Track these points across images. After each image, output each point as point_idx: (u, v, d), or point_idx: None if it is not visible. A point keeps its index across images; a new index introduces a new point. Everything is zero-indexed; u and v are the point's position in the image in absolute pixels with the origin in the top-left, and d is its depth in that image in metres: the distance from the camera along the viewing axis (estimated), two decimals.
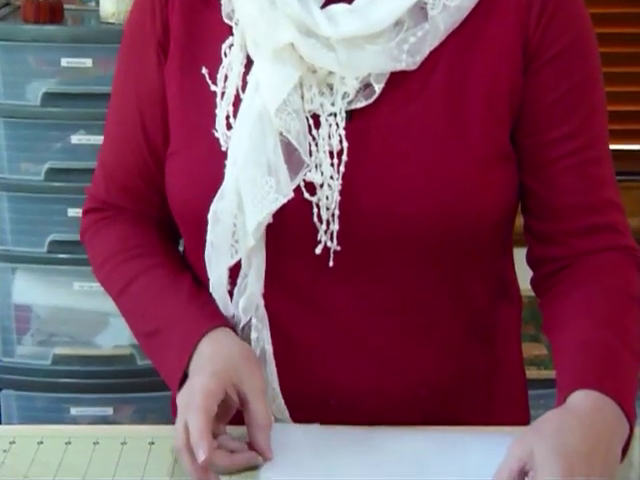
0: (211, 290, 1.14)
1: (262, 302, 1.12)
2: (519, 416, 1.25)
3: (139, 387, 2.27)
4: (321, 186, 1.08)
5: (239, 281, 1.12)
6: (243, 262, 1.11)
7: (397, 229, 1.08)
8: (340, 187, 1.08)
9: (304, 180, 1.08)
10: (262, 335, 1.13)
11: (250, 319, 1.12)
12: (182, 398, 1.06)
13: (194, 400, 1.02)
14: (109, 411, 2.36)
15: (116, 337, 2.32)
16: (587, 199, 1.14)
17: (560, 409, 1.00)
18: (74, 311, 2.33)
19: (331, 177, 1.08)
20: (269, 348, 1.13)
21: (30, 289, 2.31)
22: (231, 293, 1.13)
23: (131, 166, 1.22)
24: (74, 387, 2.32)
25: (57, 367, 2.31)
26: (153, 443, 1.13)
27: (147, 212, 1.24)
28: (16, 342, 2.36)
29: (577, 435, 0.96)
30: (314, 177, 1.08)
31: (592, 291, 1.12)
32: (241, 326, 1.13)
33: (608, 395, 1.01)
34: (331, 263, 1.10)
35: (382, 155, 1.09)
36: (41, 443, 1.13)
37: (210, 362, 1.07)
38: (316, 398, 1.15)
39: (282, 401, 1.14)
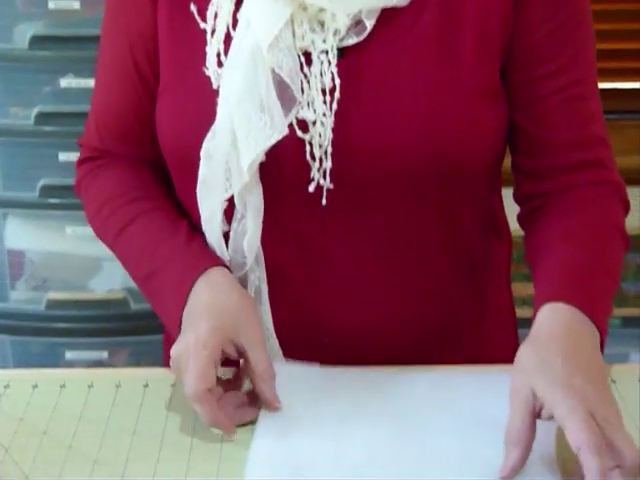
0: (203, 228, 1.13)
1: (259, 243, 1.12)
2: (509, 355, 1.25)
3: (133, 330, 2.28)
4: (314, 124, 1.08)
5: (235, 224, 1.12)
6: (238, 202, 1.10)
7: (390, 165, 1.08)
8: (333, 125, 1.08)
9: (296, 118, 1.08)
10: (258, 274, 1.13)
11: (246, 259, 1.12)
12: (180, 351, 1.04)
13: (192, 362, 1.02)
14: (104, 355, 2.36)
15: (110, 281, 2.32)
16: (575, 135, 1.15)
17: (535, 338, 1.00)
18: (67, 256, 2.33)
19: (324, 114, 1.07)
20: (264, 288, 1.13)
21: (22, 234, 2.31)
22: (226, 236, 1.13)
23: (125, 108, 1.21)
24: (68, 331, 2.33)
25: (51, 312, 2.31)
26: (147, 385, 1.13)
27: (143, 156, 1.23)
28: (10, 287, 2.36)
29: (560, 356, 0.96)
30: (306, 115, 1.08)
31: (574, 221, 1.14)
32: (247, 268, 1.13)
33: (581, 309, 1.02)
34: (324, 201, 1.09)
35: (374, 91, 1.08)
36: (36, 387, 1.13)
37: (208, 313, 1.05)
38: (310, 337, 1.15)
39: (276, 341, 1.15)
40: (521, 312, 2.29)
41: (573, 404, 0.91)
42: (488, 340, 1.23)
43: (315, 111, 1.07)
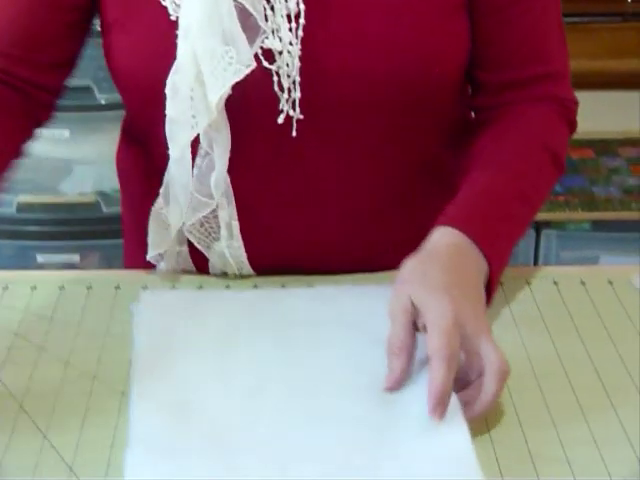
0: (172, 169, 1.09)
1: (228, 178, 1.10)
2: None
3: (105, 234, 2.27)
4: (280, 53, 1.05)
5: (198, 160, 1.08)
6: (203, 139, 1.07)
7: (360, 90, 1.06)
8: (300, 53, 1.05)
9: (262, 48, 1.04)
10: (228, 211, 1.11)
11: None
12: None
13: None
14: (75, 258, 2.36)
15: (80, 184, 2.31)
16: (532, 48, 1.12)
17: (419, 254, 1.00)
18: (37, 158, 2.30)
19: (290, 43, 1.04)
20: (235, 224, 1.12)
21: None
22: None
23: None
24: (39, 234, 2.32)
25: (22, 215, 2.30)
26: (119, 288, 1.13)
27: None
28: None
29: (440, 271, 0.97)
30: (272, 44, 1.04)
31: (502, 141, 1.12)
32: (210, 209, 1.11)
33: (471, 238, 1.01)
34: (294, 133, 1.08)
35: (341, 14, 1.05)
36: (6, 288, 1.13)
37: None
38: (286, 266, 1.15)
39: (251, 270, 1.15)
40: None
41: (443, 312, 0.91)
42: None
43: (281, 39, 1.04)
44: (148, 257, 1.16)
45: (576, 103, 1.18)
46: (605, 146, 2.47)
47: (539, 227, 2.33)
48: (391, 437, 0.88)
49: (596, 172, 2.39)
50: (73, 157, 2.27)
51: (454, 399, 0.89)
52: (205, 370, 0.97)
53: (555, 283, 1.14)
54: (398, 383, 0.92)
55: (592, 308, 1.10)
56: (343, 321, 1.05)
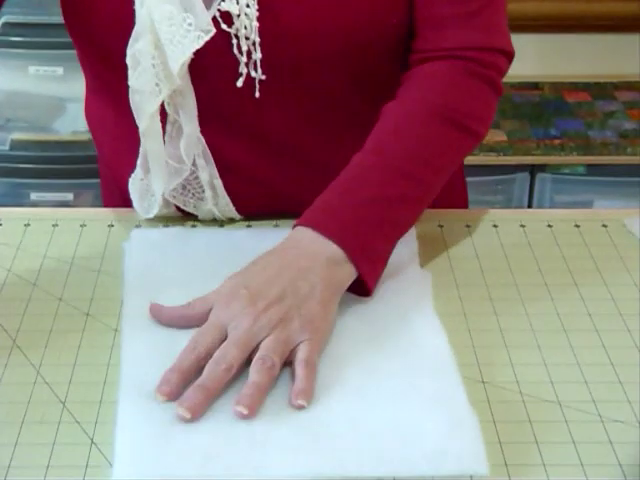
0: (143, 138, 1.08)
1: (203, 140, 1.10)
2: (454, 199, 1.25)
3: (97, 173, 2.26)
4: (238, 16, 1.03)
5: (168, 127, 1.08)
6: (168, 106, 1.07)
7: (319, 45, 1.05)
8: (257, 14, 1.03)
9: (219, 10, 1.03)
10: (209, 171, 1.12)
11: (194, 159, 1.11)
12: None
13: None
14: (69, 197, 2.36)
15: (74, 123, 2.30)
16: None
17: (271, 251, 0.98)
18: (30, 96, 2.29)
19: (247, 5, 1.03)
20: (219, 183, 1.12)
21: None
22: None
23: None
24: (33, 172, 2.31)
25: (15, 152, 2.30)
26: (112, 225, 1.13)
27: None
28: None
29: (258, 264, 0.96)
30: (230, 7, 1.02)
31: (400, 108, 1.07)
32: (186, 174, 1.11)
33: (318, 231, 0.98)
34: (257, 94, 1.07)
35: None
36: (0, 225, 1.13)
37: None
38: (278, 217, 1.15)
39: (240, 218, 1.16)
40: (485, 159, 2.31)
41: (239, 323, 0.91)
42: None
43: (238, 2, 1.02)
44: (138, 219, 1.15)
45: (507, 57, 1.12)
46: (601, 89, 2.46)
47: (534, 170, 2.33)
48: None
49: (592, 115, 2.38)
50: (67, 95, 2.25)
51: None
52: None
53: (549, 226, 1.14)
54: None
55: (586, 251, 1.10)
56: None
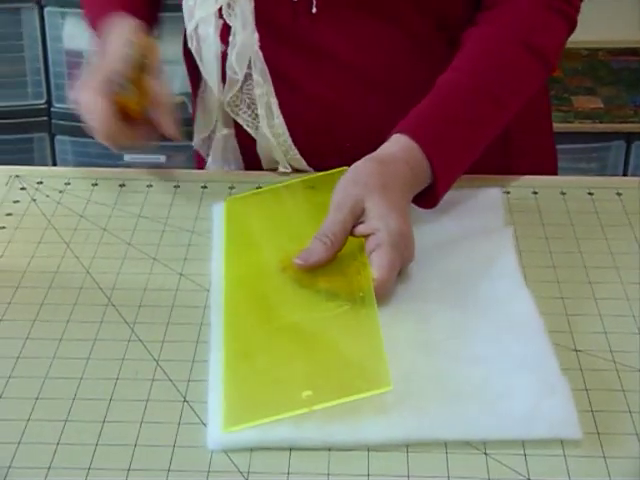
0: (203, 45, 1.12)
1: (261, 55, 1.10)
2: (544, 166, 1.23)
3: (191, 135, 2.28)
4: None
5: (230, 38, 1.10)
6: (226, 13, 1.09)
7: None
8: None
9: None
10: (265, 89, 1.12)
11: (252, 75, 1.11)
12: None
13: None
14: (162, 159, 2.38)
15: (169, 84, 2.31)
16: None
17: (378, 162, 0.99)
18: None
19: None
20: (274, 101, 1.13)
21: (81, 34, 2.29)
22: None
23: None
24: None
25: None
26: (206, 187, 1.14)
27: None
28: (68, 88, 2.36)
29: (400, 191, 0.97)
30: None
31: (484, 39, 1.08)
32: (240, 84, 1.12)
33: (416, 141, 1.00)
34: (314, 9, 1.07)
35: None
36: (96, 185, 1.15)
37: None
38: (331, 144, 1.15)
39: (296, 151, 1.15)
40: (580, 126, 2.27)
41: (394, 236, 0.93)
42: (519, 149, 1.20)
43: None
44: (194, 144, 1.17)
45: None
46: None
47: (630, 138, 2.29)
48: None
49: None
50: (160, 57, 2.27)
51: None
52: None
53: None
54: (307, 265, 0.94)
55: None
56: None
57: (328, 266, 0.94)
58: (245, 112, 1.15)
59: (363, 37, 1.10)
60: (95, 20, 1.16)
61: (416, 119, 1.02)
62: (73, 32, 2.31)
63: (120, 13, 1.13)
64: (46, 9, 2.30)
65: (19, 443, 0.80)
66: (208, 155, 1.21)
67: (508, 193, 1.11)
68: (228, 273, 0.98)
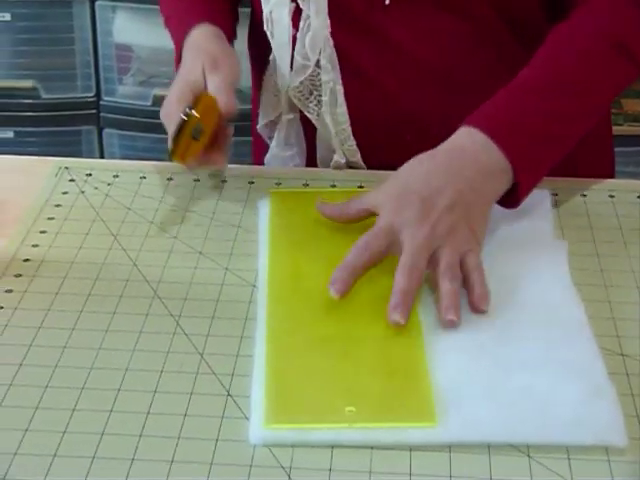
0: (275, 28, 1.12)
1: (331, 41, 1.11)
2: (602, 168, 1.22)
3: (237, 130, 2.28)
4: None
5: (301, 23, 1.11)
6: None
7: None
8: None
9: None
10: (332, 76, 1.13)
11: (319, 61, 1.12)
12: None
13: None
14: None
15: None
16: None
17: (426, 153, 0.99)
18: (173, 52, 2.32)
19: None
20: (340, 88, 1.13)
21: (131, 29, 2.31)
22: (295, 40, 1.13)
23: None
24: None
25: (157, 108, 2.32)
26: (253, 182, 1.14)
27: None
28: (117, 82, 2.38)
29: (423, 165, 0.97)
30: None
31: (565, 35, 1.05)
32: (310, 71, 1.13)
33: (486, 134, 0.98)
34: (387, 1, 1.07)
35: None
36: (144, 178, 1.15)
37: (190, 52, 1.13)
38: (391, 137, 1.15)
39: (354, 142, 1.16)
40: (630, 129, 2.26)
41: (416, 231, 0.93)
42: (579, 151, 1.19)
43: None
44: (258, 128, 1.18)
45: None
46: None
47: None
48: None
49: None
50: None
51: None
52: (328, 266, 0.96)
53: None
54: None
55: None
56: None
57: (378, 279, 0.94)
58: (307, 98, 1.15)
59: (433, 31, 1.10)
60: (172, 22, 1.19)
61: (484, 112, 1.00)
62: (123, 26, 2.32)
63: (200, 22, 1.14)
64: (97, 2, 2.32)
65: (64, 432, 0.80)
66: (271, 138, 1.21)
67: (556, 195, 1.10)
68: (272, 269, 0.98)
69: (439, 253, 0.92)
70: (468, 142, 0.98)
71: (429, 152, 0.99)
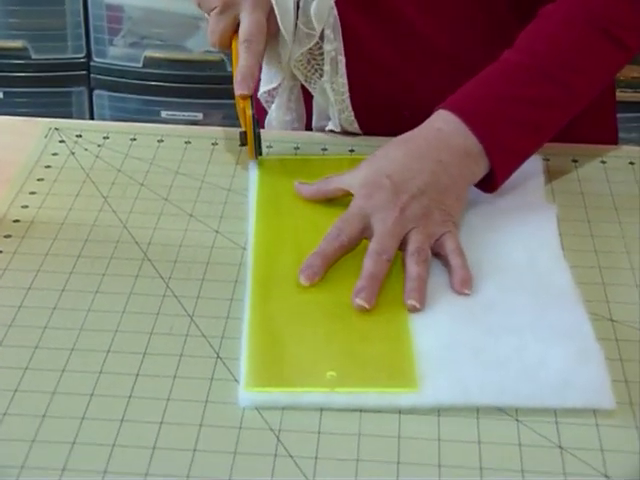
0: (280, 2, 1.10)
1: (335, 11, 1.10)
2: (605, 135, 1.22)
3: (229, 93, 2.27)
4: None
5: None
6: None
7: None
8: None
9: None
10: (335, 45, 1.12)
11: (323, 31, 1.11)
12: None
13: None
14: (199, 116, 2.38)
15: (206, 42, 2.30)
16: None
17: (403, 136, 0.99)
18: (165, 14, 2.31)
19: None
20: (342, 59, 1.12)
21: None
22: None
23: None
24: (165, 90, 2.34)
25: (148, 70, 2.32)
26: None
27: None
28: (108, 43, 2.37)
29: (399, 149, 0.97)
30: None
31: (550, 20, 1.04)
32: (314, 41, 1.12)
33: (460, 117, 0.98)
34: None
35: None
36: (134, 140, 1.15)
37: None
38: (389, 111, 1.14)
39: (352, 113, 1.15)
40: (621, 95, 2.25)
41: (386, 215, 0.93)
42: (582, 117, 1.18)
43: None
44: (259, 95, 1.17)
45: None
46: None
47: None
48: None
49: None
50: (200, 14, 2.27)
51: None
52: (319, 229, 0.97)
53: None
54: None
55: None
56: None
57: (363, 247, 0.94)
58: (305, 67, 1.14)
59: (439, 8, 1.09)
60: None
61: (460, 96, 1.00)
62: None
63: None
64: None
65: (54, 393, 0.80)
66: (268, 103, 1.20)
67: (548, 160, 1.10)
68: (258, 235, 0.98)
69: (408, 236, 0.92)
70: (443, 125, 0.98)
71: (404, 135, 0.99)
